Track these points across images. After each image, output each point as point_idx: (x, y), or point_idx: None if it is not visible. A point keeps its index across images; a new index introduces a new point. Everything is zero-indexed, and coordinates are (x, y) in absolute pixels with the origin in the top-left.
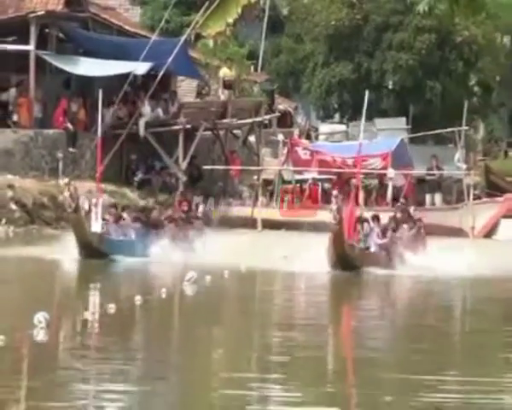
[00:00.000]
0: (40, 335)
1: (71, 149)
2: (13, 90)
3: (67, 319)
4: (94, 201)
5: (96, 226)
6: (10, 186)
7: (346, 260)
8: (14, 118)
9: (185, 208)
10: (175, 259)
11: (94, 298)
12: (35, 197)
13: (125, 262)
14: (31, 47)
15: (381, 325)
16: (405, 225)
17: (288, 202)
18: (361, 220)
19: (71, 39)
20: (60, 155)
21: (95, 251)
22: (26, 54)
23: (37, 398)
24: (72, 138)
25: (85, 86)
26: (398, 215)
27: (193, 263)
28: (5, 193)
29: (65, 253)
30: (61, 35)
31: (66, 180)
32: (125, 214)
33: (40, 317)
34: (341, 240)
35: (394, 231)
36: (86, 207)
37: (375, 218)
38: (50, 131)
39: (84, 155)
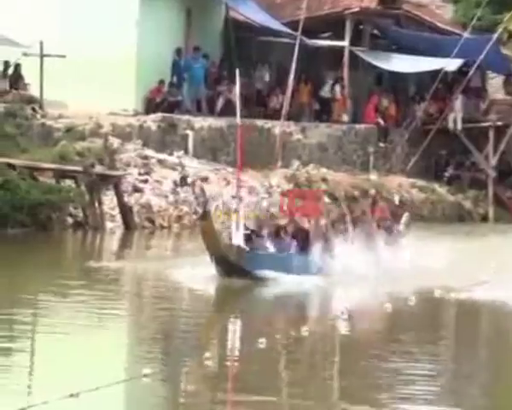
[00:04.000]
0: (342, 325)
1: (381, 144)
2: (328, 86)
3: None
4: (234, 205)
5: (237, 237)
6: (324, 179)
7: None
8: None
9: (384, 215)
10: (359, 276)
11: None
12: (346, 191)
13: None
14: (345, 43)
15: None
16: None
17: None
18: None
19: (384, 36)
20: (371, 149)
21: (233, 267)
22: (339, 50)
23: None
24: (384, 133)
25: (397, 82)
26: None
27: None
28: (319, 186)
29: None
30: (374, 31)
31: (191, 179)
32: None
33: (343, 309)
34: None
35: None
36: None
37: None
38: (362, 126)
39: (394, 150)
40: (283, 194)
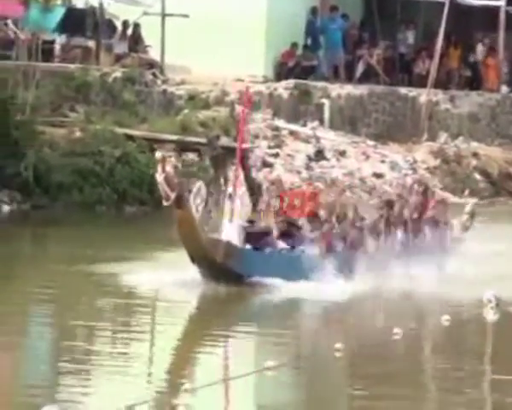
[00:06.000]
0: (490, 314)
1: None
2: (480, 48)
3: None
4: (229, 190)
5: (230, 231)
6: (475, 154)
7: None
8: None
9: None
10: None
11: None
12: (500, 167)
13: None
14: (501, 2)
15: None
16: None
17: None
18: None
19: None
20: None
21: (220, 270)
22: (494, 10)
23: None
24: None
25: None
26: None
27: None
28: (469, 162)
29: None
30: None
31: (160, 154)
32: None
33: (490, 296)
34: None
35: None
36: (200, 197)
37: None
38: None
39: None
40: (283, 194)
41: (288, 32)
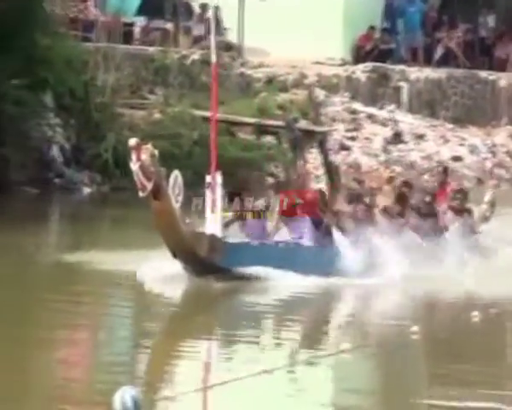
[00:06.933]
0: None
1: None
2: None
3: None
4: (208, 179)
5: (213, 224)
6: None
7: None
8: None
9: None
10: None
11: None
12: None
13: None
14: None
15: None
16: None
17: None
18: None
19: None
20: None
21: (205, 265)
22: None
23: None
24: None
25: None
26: None
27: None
28: None
29: None
30: None
31: (134, 141)
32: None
33: None
34: None
35: None
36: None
37: None
38: None
39: None
40: (283, 193)
41: (365, 15)
